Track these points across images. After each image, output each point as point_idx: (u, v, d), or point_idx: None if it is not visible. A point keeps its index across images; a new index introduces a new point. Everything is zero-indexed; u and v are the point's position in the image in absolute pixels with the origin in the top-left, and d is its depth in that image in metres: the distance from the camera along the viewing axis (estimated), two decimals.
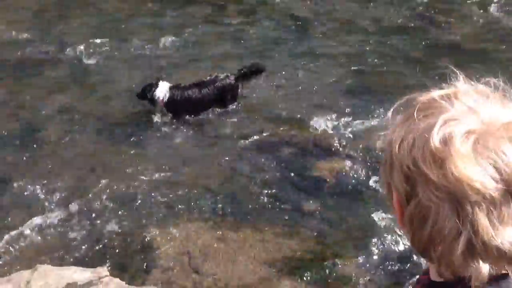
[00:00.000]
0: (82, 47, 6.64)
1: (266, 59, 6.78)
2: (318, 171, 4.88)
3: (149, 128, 5.52)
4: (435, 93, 0.96)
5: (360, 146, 5.08)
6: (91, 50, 6.74)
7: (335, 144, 5.12)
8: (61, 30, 7.41)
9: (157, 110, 5.58)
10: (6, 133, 5.34)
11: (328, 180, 4.78)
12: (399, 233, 4.11)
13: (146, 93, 5.47)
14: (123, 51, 6.88)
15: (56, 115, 5.65)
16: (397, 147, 0.93)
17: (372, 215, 4.41)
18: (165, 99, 5.45)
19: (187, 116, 5.59)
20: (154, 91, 5.41)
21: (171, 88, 5.49)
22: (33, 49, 6.89)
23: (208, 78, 5.69)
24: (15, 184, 4.67)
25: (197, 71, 6.35)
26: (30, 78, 6.29)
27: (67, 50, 6.72)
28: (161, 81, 5.51)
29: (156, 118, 5.57)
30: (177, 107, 5.50)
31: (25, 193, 4.60)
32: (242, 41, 7.30)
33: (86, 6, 8.26)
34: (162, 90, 5.43)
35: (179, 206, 4.50)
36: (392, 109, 1.01)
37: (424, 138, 0.89)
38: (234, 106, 5.77)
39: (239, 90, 5.75)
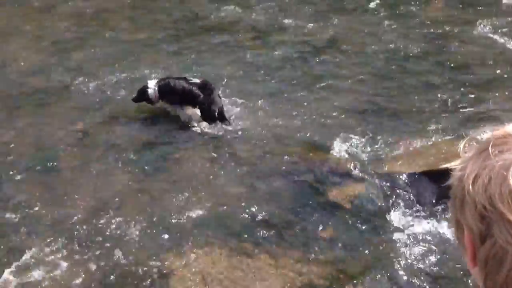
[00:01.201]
0: (99, 75, 6.74)
1: (281, 83, 6.85)
2: (334, 196, 4.86)
3: (164, 155, 5.55)
4: (510, 128, 0.91)
5: (377, 170, 5.05)
6: (108, 78, 6.85)
7: (351, 169, 5.10)
8: (79, 59, 7.56)
9: (156, 105, 6.17)
10: (25, 160, 5.41)
11: (344, 205, 4.75)
12: (417, 260, 4.06)
13: (142, 95, 6.10)
14: (140, 79, 6.98)
15: (75, 142, 5.72)
16: (470, 184, 0.88)
17: (390, 241, 4.36)
18: (157, 92, 6.04)
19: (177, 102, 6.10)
20: (147, 90, 6.06)
21: (157, 82, 6.13)
22: (52, 77, 7.03)
23: (196, 79, 6.21)
24: (32, 211, 4.72)
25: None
26: (48, 106, 6.40)
27: (85, 78, 6.82)
28: (148, 81, 6.20)
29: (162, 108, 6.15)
30: (167, 93, 6.08)
31: (42, 220, 4.63)
32: (256, 66, 7.36)
33: (103, 35, 8.44)
34: (151, 86, 6.05)
35: (195, 231, 4.50)
36: (462, 143, 0.97)
37: (502, 176, 0.84)
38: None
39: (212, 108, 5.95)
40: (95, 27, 8.87)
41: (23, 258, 4.21)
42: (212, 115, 5.93)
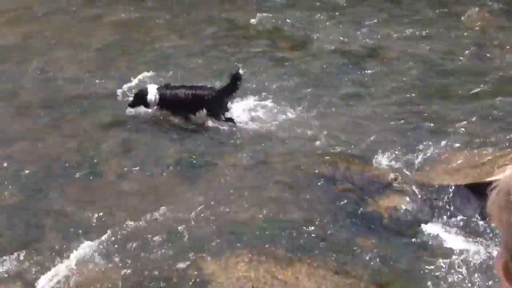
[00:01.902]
0: (142, 83, 6.88)
1: (319, 91, 6.84)
2: (373, 207, 4.80)
3: (202, 163, 5.60)
4: None
5: (417, 182, 4.97)
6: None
7: (390, 180, 5.04)
8: (122, 67, 7.76)
9: (152, 110, 6.28)
10: (68, 166, 5.57)
11: (383, 216, 4.69)
12: (457, 276, 3.97)
13: (139, 99, 6.18)
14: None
15: (116, 149, 5.86)
16: None
17: (429, 255, 4.28)
18: (157, 99, 6.15)
19: (175, 112, 6.25)
20: (146, 95, 6.13)
21: (158, 88, 6.21)
22: (96, 85, 7.22)
23: (196, 84, 6.38)
24: (74, 216, 4.85)
25: (247, 103, 6.51)
26: (92, 113, 6.57)
27: (128, 86, 6.98)
28: (148, 85, 6.27)
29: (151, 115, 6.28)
30: (166, 102, 6.21)
31: (83, 225, 4.75)
32: (294, 74, 7.38)
33: (145, 43, 8.64)
34: (152, 92, 6.13)
35: (232, 238, 4.53)
36: (509, 156, 1.00)
37: None
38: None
39: (218, 104, 6.15)
40: (138, 36, 9.07)
41: (65, 261, 4.32)
42: (219, 115, 6.11)
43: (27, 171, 5.46)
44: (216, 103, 6.18)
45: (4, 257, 4.37)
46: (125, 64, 7.90)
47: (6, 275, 4.22)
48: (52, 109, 6.70)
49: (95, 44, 8.74)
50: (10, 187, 5.25)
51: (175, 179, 5.35)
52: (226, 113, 6.20)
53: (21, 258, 4.36)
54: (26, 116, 6.57)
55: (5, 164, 5.60)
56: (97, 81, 7.32)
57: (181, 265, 4.27)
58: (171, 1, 11.02)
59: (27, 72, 7.74)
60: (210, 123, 6.24)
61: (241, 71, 6.19)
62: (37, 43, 8.91)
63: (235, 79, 6.14)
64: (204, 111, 6.24)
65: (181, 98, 6.19)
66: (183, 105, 6.23)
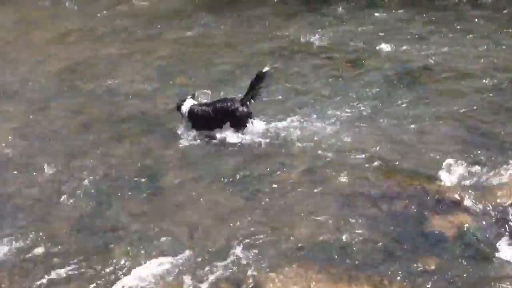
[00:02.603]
0: (200, 99, 6.99)
1: (378, 107, 6.73)
2: (438, 226, 4.63)
3: (261, 178, 5.58)
4: None
5: (486, 200, 4.77)
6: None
7: (457, 197, 4.86)
8: (181, 83, 7.95)
9: (183, 120, 6.57)
10: (131, 179, 5.71)
11: (449, 235, 4.51)
12: None
13: (178, 108, 6.58)
14: None
15: (176, 162, 5.96)
16: None
17: (499, 277, 4.07)
18: (187, 113, 6.49)
19: (203, 128, 6.45)
20: (182, 105, 6.52)
21: (192, 105, 6.51)
22: (156, 101, 7.41)
23: (218, 99, 6.61)
24: (138, 230, 4.93)
25: (305, 117, 6.53)
26: (152, 128, 6.74)
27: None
28: (188, 98, 6.59)
29: (181, 128, 6.57)
30: (194, 119, 6.48)
31: (147, 237, 4.83)
32: (352, 90, 7.30)
33: (203, 61, 8.83)
34: (186, 106, 6.48)
35: (293, 255, 4.47)
36: None
37: None
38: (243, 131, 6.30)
39: (243, 114, 6.30)
40: (197, 53, 9.28)
41: (131, 274, 4.40)
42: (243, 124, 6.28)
43: (91, 185, 5.63)
44: (240, 114, 6.29)
45: (69, 270, 4.50)
46: (183, 81, 8.08)
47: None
48: (115, 124, 6.91)
49: (155, 61, 9.00)
50: (75, 200, 5.42)
51: (234, 195, 5.35)
52: (251, 121, 6.34)
53: (84, 270, 4.48)
54: (90, 131, 6.81)
55: (70, 178, 5.81)
56: (157, 97, 7.51)
57: (239, 278, 4.25)
58: (227, 19, 11.23)
59: (91, 88, 8.05)
60: (260, 139, 6.22)
61: (266, 69, 6.37)
62: (101, 61, 9.28)
63: (257, 80, 6.33)
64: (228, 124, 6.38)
65: (205, 114, 6.37)
66: (207, 121, 6.39)
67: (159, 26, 10.99)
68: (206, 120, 6.40)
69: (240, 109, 6.28)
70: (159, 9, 12.30)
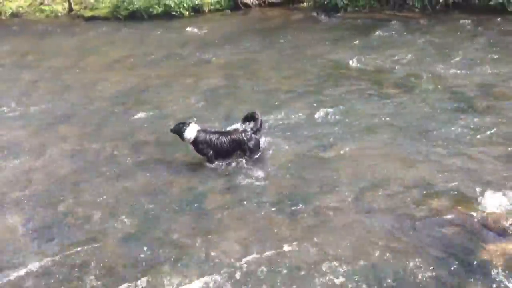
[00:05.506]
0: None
1: (423, 132, 6.63)
2: (487, 254, 4.48)
3: (300, 202, 5.55)
4: None
5: None
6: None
7: (507, 225, 4.69)
8: (229, 105, 8.16)
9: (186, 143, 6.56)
10: (177, 200, 5.82)
11: (497, 264, 4.35)
12: None
13: (178, 129, 6.49)
14: (284, 124, 7.27)
15: (220, 186, 6.03)
16: None
17: None
18: (192, 139, 6.42)
19: (216, 156, 6.43)
20: (185, 130, 6.43)
21: (198, 131, 6.44)
22: (205, 123, 7.56)
23: (229, 129, 6.77)
24: (187, 249, 5.00)
25: (353, 141, 6.53)
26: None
27: (233, 124, 7.19)
28: (191, 123, 6.51)
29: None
30: (200, 146, 6.45)
31: (193, 257, 4.88)
32: (399, 115, 7.23)
33: (250, 84, 9.01)
34: (191, 131, 6.42)
35: (337, 281, 4.43)
36: None
37: None
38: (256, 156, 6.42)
39: (256, 143, 6.43)
40: (244, 77, 9.47)
41: None
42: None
43: (141, 203, 5.81)
44: (254, 144, 6.42)
45: (118, 286, 4.62)
46: (231, 103, 8.24)
47: None
48: (163, 146, 7.10)
49: (203, 85, 9.25)
50: (126, 217, 5.59)
51: (276, 217, 5.36)
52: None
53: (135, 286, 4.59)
54: (140, 152, 7.03)
55: (122, 196, 6.01)
56: (206, 119, 7.68)
57: None
58: (273, 43, 11.41)
59: (142, 111, 8.33)
60: (307, 163, 6.24)
61: (257, 113, 6.51)
62: (152, 85, 9.61)
63: (252, 118, 6.50)
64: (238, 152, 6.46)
65: (214, 143, 6.40)
66: (220, 150, 6.43)
67: (208, 52, 11.32)
68: (219, 149, 6.41)
69: (253, 140, 6.40)
70: (210, 36, 12.71)
